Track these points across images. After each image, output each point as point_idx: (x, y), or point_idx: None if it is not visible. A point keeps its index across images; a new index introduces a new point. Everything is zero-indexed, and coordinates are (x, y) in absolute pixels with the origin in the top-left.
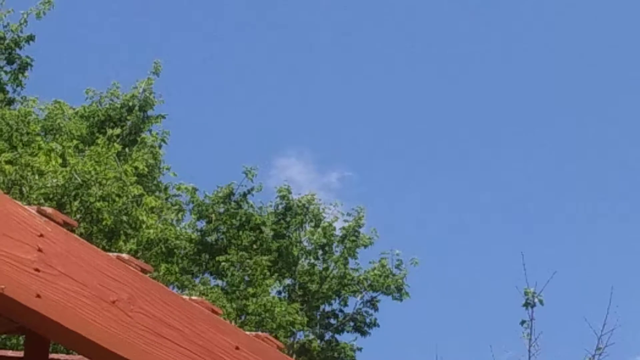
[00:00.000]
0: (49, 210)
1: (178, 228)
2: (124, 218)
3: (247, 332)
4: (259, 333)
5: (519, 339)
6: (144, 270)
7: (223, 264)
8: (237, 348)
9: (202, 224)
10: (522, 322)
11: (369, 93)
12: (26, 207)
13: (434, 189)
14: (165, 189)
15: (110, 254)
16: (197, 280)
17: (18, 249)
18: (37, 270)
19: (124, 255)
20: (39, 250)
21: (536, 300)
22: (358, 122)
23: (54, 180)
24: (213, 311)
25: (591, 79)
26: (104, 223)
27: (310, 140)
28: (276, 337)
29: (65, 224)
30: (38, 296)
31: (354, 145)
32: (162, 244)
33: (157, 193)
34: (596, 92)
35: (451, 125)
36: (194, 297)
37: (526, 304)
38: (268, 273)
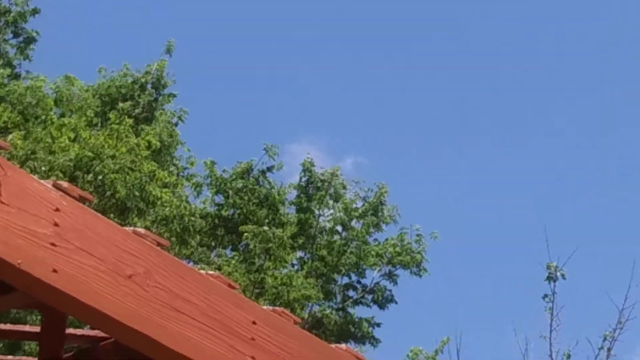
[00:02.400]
0: (65, 184)
1: (194, 205)
2: (137, 193)
3: (264, 307)
4: (276, 308)
5: (541, 313)
6: (160, 245)
7: (246, 234)
8: (253, 323)
9: (219, 199)
10: (544, 297)
11: (382, 78)
12: (42, 181)
13: (449, 173)
14: (178, 165)
15: (127, 228)
16: (213, 254)
17: (34, 223)
18: (53, 244)
19: (140, 230)
20: (55, 224)
21: (558, 274)
22: (372, 108)
23: (65, 156)
24: (230, 286)
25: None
26: (117, 197)
27: (323, 126)
28: (292, 311)
29: (81, 198)
30: (54, 271)
31: (368, 131)
32: (177, 221)
33: (171, 169)
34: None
35: (466, 108)
36: (210, 272)
37: (548, 278)
38: (289, 249)
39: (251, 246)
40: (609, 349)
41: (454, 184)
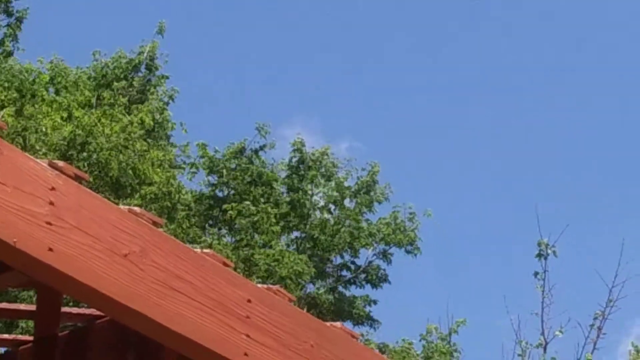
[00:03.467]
0: (61, 163)
1: (179, 181)
2: (130, 172)
3: (259, 285)
4: (271, 286)
5: (533, 291)
6: (155, 224)
7: (230, 212)
8: (248, 301)
9: (213, 179)
10: (536, 274)
11: (376, 61)
12: (38, 160)
13: (443, 157)
14: (171, 151)
15: (122, 207)
16: (206, 235)
17: (30, 202)
18: (49, 223)
19: (136, 209)
20: (51, 203)
21: (549, 252)
22: (366, 92)
23: (59, 135)
24: (224, 264)
25: None
26: (110, 174)
27: (317, 110)
28: (285, 288)
29: (76, 177)
30: (50, 249)
31: (361, 115)
32: (166, 197)
33: (168, 149)
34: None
35: (460, 90)
36: (205, 250)
37: (539, 255)
38: (274, 220)
39: (236, 222)
40: (599, 328)
41: (446, 166)
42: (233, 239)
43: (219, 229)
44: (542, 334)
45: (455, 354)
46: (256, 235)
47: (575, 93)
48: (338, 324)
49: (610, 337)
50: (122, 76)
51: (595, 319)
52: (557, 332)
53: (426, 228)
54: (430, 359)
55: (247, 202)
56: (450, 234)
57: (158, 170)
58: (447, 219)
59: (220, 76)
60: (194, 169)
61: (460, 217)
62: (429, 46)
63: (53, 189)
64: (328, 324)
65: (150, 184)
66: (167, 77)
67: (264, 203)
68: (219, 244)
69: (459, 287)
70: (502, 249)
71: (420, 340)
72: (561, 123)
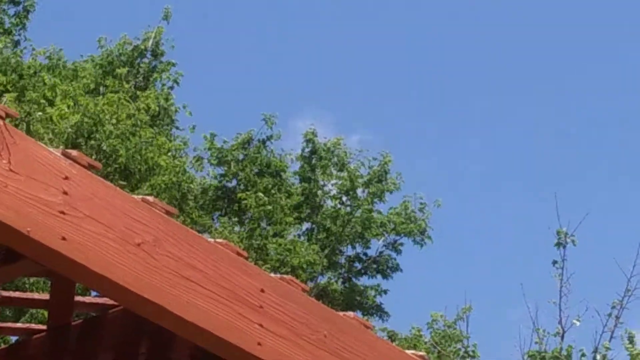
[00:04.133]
0: (74, 152)
1: (190, 172)
2: (138, 157)
3: (272, 275)
4: (284, 276)
5: (551, 279)
6: (168, 213)
7: (245, 202)
8: (262, 291)
9: (221, 170)
10: (554, 263)
11: (390, 54)
12: (51, 149)
13: (456, 147)
14: (176, 137)
15: (135, 196)
16: (216, 225)
17: (43, 191)
18: (62, 212)
19: (149, 198)
20: (64, 192)
21: (568, 240)
22: (378, 84)
23: (66, 124)
24: (238, 254)
25: None
26: (119, 161)
27: (329, 103)
28: (297, 278)
29: (89, 166)
30: (63, 239)
31: (374, 107)
32: (176, 187)
33: (174, 135)
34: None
35: (471, 82)
36: (218, 240)
37: (558, 244)
38: (288, 211)
39: (251, 211)
40: (617, 317)
41: (460, 155)
42: (244, 229)
43: (230, 218)
44: (560, 322)
45: (462, 340)
46: (267, 226)
47: (596, 77)
48: (351, 314)
49: (628, 326)
50: (127, 62)
51: (613, 308)
52: (574, 321)
53: (441, 218)
54: (438, 344)
55: (260, 194)
56: (465, 223)
57: (165, 157)
58: (463, 209)
59: (228, 65)
60: (199, 162)
61: (475, 206)
62: (433, 37)
63: (66, 178)
64: (341, 313)
65: (158, 174)
66: (174, 64)
67: (275, 194)
68: (229, 233)
69: (475, 278)
70: (520, 238)
71: (427, 329)
72: (580, 109)
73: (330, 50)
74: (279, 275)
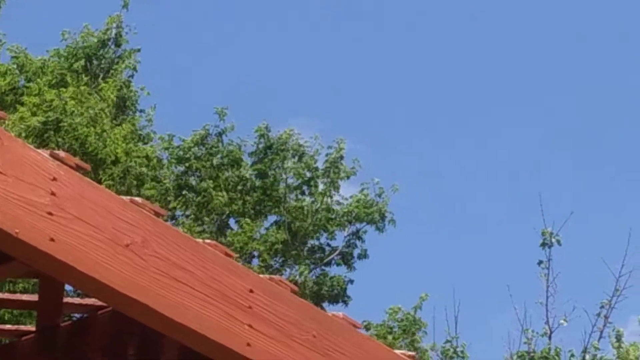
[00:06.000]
0: (62, 153)
1: (145, 147)
2: (106, 148)
3: (261, 275)
4: (273, 276)
5: (537, 280)
6: (157, 214)
7: (214, 199)
8: (250, 291)
9: (179, 170)
10: (540, 262)
11: (382, 62)
12: (39, 150)
13: (441, 144)
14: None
15: (124, 197)
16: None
17: (31, 192)
18: (50, 213)
19: (137, 199)
20: (52, 193)
21: (553, 240)
22: (368, 92)
23: (37, 120)
24: (226, 254)
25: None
26: (90, 150)
27: (318, 110)
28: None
29: (77, 167)
30: (52, 240)
31: (364, 115)
32: (130, 175)
33: (133, 119)
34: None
35: (460, 83)
36: (207, 240)
37: (543, 244)
38: (252, 211)
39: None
40: (605, 317)
41: (446, 152)
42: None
43: (191, 211)
44: (547, 322)
45: (452, 340)
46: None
47: (574, 80)
48: (340, 314)
49: (617, 325)
50: (91, 54)
51: (601, 307)
52: (561, 321)
53: (425, 217)
54: (406, 331)
55: (220, 195)
56: (452, 220)
57: (124, 144)
58: (448, 202)
59: (210, 73)
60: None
61: (459, 204)
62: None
63: (54, 179)
64: (330, 313)
65: (115, 163)
66: (138, 50)
67: (238, 190)
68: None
69: (463, 274)
70: (504, 239)
71: (389, 321)
72: (564, 108)
73: (320, 56)
74: (267, 276)
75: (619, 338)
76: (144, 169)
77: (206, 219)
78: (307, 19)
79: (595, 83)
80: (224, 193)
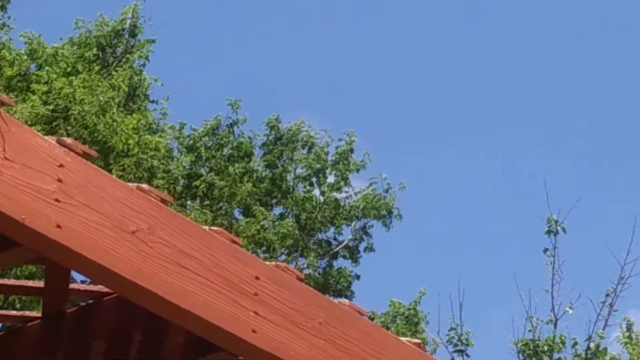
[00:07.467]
0: (69, 140)
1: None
2: (112, 133)
3: (267, 263)
4: (279, 263)
5: (543, 267)
6: (163, 201)
7: (202, 185)
8: (257, 278)
9: (190, 160)
10: (545, 250)
11: (382, 62)
12: (46, 137)
13: (445, 133)
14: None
15: (130, 184)
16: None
17: (38, 179)
18: (57, 200)
19: (144, 186)
20: (59, 180)
21: (559, 228)
22: (371, 88)
23: (46, 108)
24: (233, 241)
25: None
26: (99, 138)
27: (318, 107)
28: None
29: (84, 154)
30: (58, 226)
31: (366, 111)
32: (142, 168)
33: (144, 110)
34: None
35: (462, 82)
36: (213, 228)
37: (548, 232)
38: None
39: (215, 192)
40: (611, 305)
41: (446, 151)
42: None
43: (201, 202)
44: (552, 310)
45: (456, 328)
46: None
47: (587, 62)
48: (346, 301)
49: (621, 313)
50: (105, 43)
51: (607, 295)
52: (567, 309)
53: (433, 204)
54: (409, 322)
55: (215, 178)
56: (457, 208)
57: (135, 136)
58: (453, 192)
59: (210, 69)
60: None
61: (465, 196)
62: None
63: (61, 166)
64: (336, 301)
65: (126, 156)
66: (153, 41)
67: (245, 181)
68: (199, 216)
69: (470, 261)
70: (510, 226)
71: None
72: (569, 94)
73: (324, 52)
74: (273, 263)
75: (629, 327)
76: (155, 162)
77: (212, 208)
78: (307, 19)
79: (595, 82)
80: (242, 184)
